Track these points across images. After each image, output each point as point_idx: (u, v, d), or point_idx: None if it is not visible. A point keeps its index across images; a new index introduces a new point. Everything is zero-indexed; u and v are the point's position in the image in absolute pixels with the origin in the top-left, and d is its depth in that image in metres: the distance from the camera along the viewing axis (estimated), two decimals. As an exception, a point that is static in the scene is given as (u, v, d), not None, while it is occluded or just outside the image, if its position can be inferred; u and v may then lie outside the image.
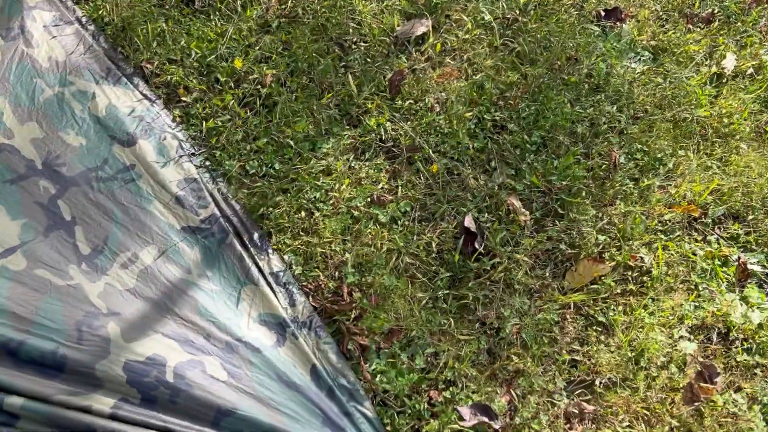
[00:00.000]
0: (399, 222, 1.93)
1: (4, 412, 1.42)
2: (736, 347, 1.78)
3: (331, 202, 1.93)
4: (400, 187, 1.98)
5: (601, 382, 1.72)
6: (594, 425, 1.67)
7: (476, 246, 1.84)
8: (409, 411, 1.64)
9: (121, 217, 1.77)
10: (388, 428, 1.62)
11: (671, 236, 1.94)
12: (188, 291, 1.69)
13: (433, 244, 1.89)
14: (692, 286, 1.87)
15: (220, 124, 2.03)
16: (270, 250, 1.82)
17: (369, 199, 1.95)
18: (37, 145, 1.86)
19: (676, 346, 1.77)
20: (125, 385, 1.50)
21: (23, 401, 1.42)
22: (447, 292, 1.81)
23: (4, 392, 1.43)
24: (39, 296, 1.57)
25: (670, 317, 1.81)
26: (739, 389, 1.73)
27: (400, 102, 2.13)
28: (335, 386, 1.64)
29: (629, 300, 1.84)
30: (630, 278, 1.87)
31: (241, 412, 1.53)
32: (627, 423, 1.67)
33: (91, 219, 1.75)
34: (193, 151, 1.99)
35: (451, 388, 1.67)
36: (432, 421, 1.62)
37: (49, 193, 1.77)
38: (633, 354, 1.75)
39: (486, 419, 1.60)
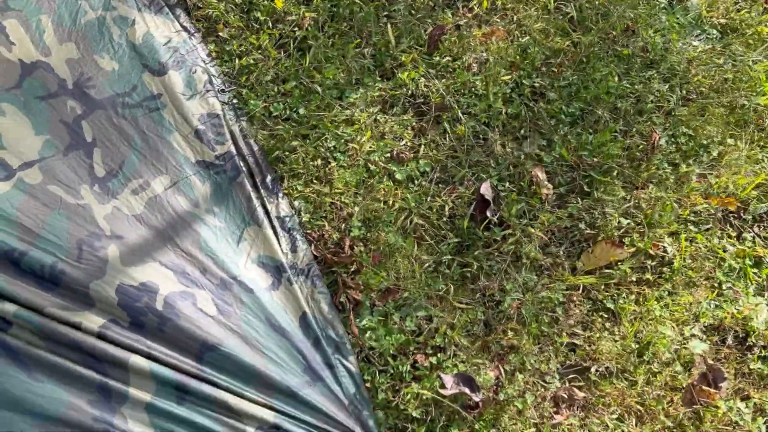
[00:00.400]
0: (416, 182, 1.88)
1: (-1, 317, 1.49)
2: (752, 354, 1.67)
3: (349, 153, 1.89)
4: (422, 146, 1.93)
5: (597, 371, 1.65)
6: (582, 413, 1.60)
7: (488, 214, 1.78)
8: (392, 371, 1.62)
9: (140, 144, 1.79)
10: (368, 385, 1.61)
11: (701, 228, 1.81)
12: (193, 224, 1.70)
13: (447, 208, 1.83)
14: (715, 284, 1.75)
15: (252, 62, 2.02)
16: (280, 194, 1.81)
17: (388, 155, 1.90)
18: (72, 65, 1.89)
19: (685, 344, 1.67)
20: (116, 307, 1.54)
21: (16, 309, 1.48)
22: (452, 258, 1.76)
23: (1, 298, 1.49)
24: (48, 211, 1.62)
25: (685, 313, 1.70)
26: (747, 398, 1.62)
27: (437, 58, 2.06)
28: (322, 337, 1.64)
29: (643, 290, 1.74)
30: (648, 267, 1.77)
31: (225, 349, 1.55)
32: (617, 416, 1.59)
33: (111, 143, 1.78)
34: (222, 87, 1.98)
35: (438, 355, 1.64)
36: (413, 384, 1.60)
37: (75, 113, 1.81)
38: (637, 346, 1.67)
39: (467, 390, 1.57)
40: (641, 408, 1.59)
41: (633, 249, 1.77)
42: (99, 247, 1.60)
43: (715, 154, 1.91)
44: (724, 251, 1.78)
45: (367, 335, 1.65)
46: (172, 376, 1.51)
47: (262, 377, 1.56)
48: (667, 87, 2.01)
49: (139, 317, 1.55)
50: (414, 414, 1.56)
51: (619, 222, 1.80)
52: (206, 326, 1.57)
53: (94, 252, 1.59)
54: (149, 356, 1.52)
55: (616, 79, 2.01)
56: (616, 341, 1.68)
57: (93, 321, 1.52)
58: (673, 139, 1.94)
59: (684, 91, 2.02)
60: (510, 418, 1.58)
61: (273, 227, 1.75)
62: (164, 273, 1.62)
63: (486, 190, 1.82)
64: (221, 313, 1.61)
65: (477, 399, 1.56)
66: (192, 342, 1.55)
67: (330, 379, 1.60)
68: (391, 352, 1.63)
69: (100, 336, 1.51)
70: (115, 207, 1.68)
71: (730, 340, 1.68)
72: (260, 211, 1.75)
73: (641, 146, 1.92)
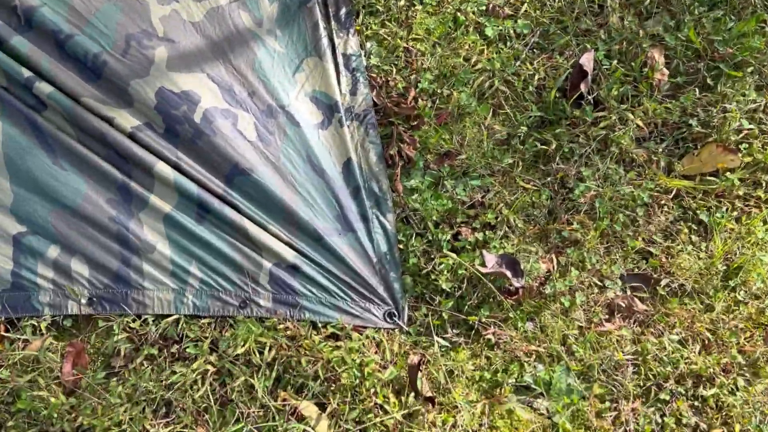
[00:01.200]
0: (508, 42, 1.63)
1: (34, 95, 1.42)
2: None
3: (438, -2, 1.66)
4: (526, 4, 1.66)
5: (669, 286, 1.40)
6: (639, 327, 1.37)
7: (582, 88, 1.52)
8: (430, 238, 1.44)
9: (213, -48, 1.64)
10: (401, 247, 1.45)
11: (843, 150, 1.47)
12: (251, 43, 1.56)
13: (536, 78, 1.58)
14: (844, 219, 1.42)
15: None
16: (351, 30, 1.62)
17: (483, 8, 1.65)
18: None
19: (786, 278, 1.38)
20: (153, 110, 1.44)
21: (52, 90, 1.41)
22: (529, 132, 1.53)
23: (40, 77, 1.42)
24: None
25: (796, 244, 1.40)
26: None
27: None
28: (364, 188, 1.48)
29: (749, 207, 1.44)
30: (763, 183, 1.46)
31: (257, 177, 1.43)
32: (679, 338, 1.35)
33: (184, -54, 1.64)
34: None
35: (486, 232, 1.45)
36: (450, 255, 1.41)
37: None
38: (724, 269, 1.39)
39: (509, 273, 1.37)
40: (711, 336, 1.34)
41: (749, 159, 1.47)
42: (147, 46, 1.49)
43: None
44: None
45: (413, 197, 1.47)
46: (195, 191, 1.41)
47: (290, 214, 1.43)
48: None
49: (175, 125, 1.44)
50: (444, 286, 1.39)
51: (740, 124, 1.49)
52: (242, 149, 1.45)
53: (142, 50, 1.48)
54: (177, 167, 1.43)
55: (781, -40, 1.63)
56: (700, 258, 1.41)
57: (127, 120, 1.43)
58: (835, 42, 1.57)
59: None
60: (552, 315, 1.38)
61: (336, 63, 1.58)
62: (209, 86, 1.49)
63: (587, 61, 1.54)
64: (261, 140, 1.48)
65: (518, 285, 1.37)
66: (224, 162, 1.43)
67: (362, 232, 1.45)
68: (434, 218, 1.45)
69: (132, 136, 1.42)
70: (174, 10, 1.56)
71: None
72: (325, 42, 1.58)
73: (792, 43, 1.56)
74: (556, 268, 1.41)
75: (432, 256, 1.43)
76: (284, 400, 1.30)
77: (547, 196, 1.48)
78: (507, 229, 1.45)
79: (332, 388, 1.31)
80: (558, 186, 1.49)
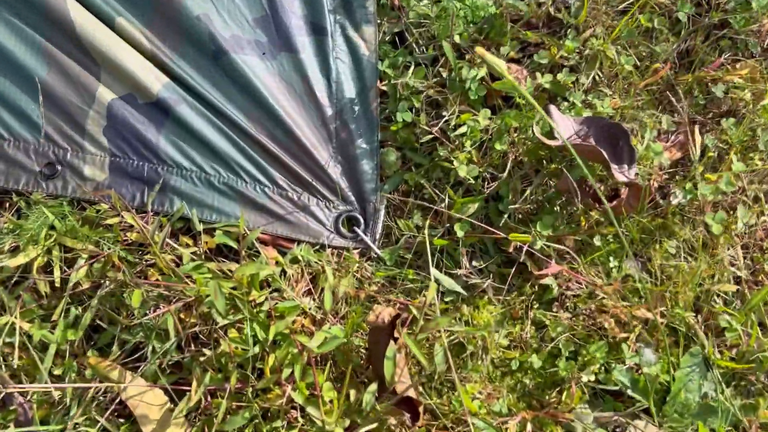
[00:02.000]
0: None
1: None
2: None
3: None
4: None
5: None
6: None
7: None
8: (443, 74, 0.72)
9: None
10: (384, 86, 0.72)
11: None
12: None
13: None
14: None
15: None
16: None
17: None
18: None
19: None
20: None
21: None
22: None
23: None
24: None
25: None
26: None
27: None
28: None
29: None
30: None
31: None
32: None
33: None
34: None
35: (560, 73, 0.72)
36: (474, 112, 0.69)
37: None
38: None
39: (605, 154, 0.64)
40: None
41: None
42: None
43: None
44: None
45: (418, -2, 0.74)
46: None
47: (161, 4, 0.70)
48: None
49: None
50: (462, 172, 0.68)
51: None
52: None
53: None
54: None
55: None
56: None
57: None
58: None
59: None
60: (682, 249, 0.66)
61: None
62: None
63: None
64: None
65: (623, 178, 0.64)
66: None
67: (309, 52, 0.74)
68: (457, 37, 0.72)
69: None
70: None
71: None
72: None
73: None
74: (698, 152, 0.68)
75: (443, 112, 0.70)
76: (89, 370, 0.60)
77: (687, 9, 0.73)
78: (599, 73, 0.72)
79: (199, 362, 0.61)
80: (706, -1, 0.75)
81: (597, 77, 0.72)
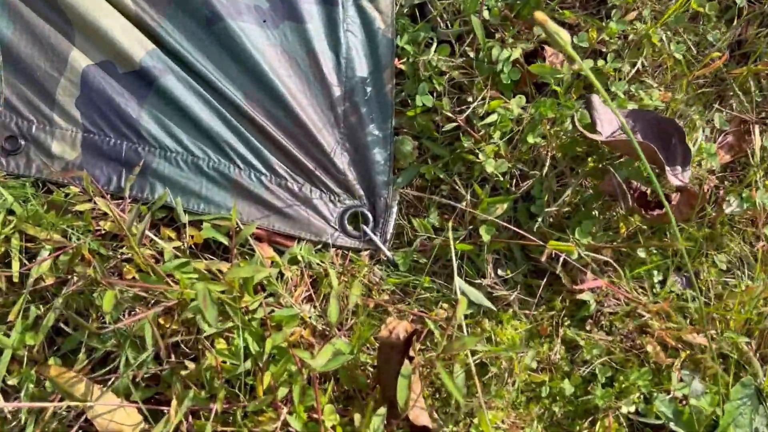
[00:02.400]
0: None
1: None
2: None
3: None
4: None
5: None
6: None
7: None
8: (469, 53, 0.63)
9: None
10: (402, 65, 0.64)
11: None
12: None
13: None
14: None
15: None
16: None
17: None
18: None
19: None
20: None
21: None
22: None
23: None
24: None
25: None
26: None
27: None
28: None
29: None
30: None
31: None
32: None
33: None
34: None
35: (603, 60, 0.63)
36: (504, 99, 0.60)
37: None
38: None
39: (656, 148, 0.56)
40: None
41: None
42: None
43: None
44: None
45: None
46: None
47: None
48: None
49: None
50: (489, 168, 0.59)
51: None
52: None
53: None
54: None
55: None
56: None
57: None
58: None
59: None
60: (735, 264, 0.58)
61: None
62: None
63: None
64: None
65: (676, 182, 0.56)
66: None
67: (317, 23, 0.65)
68: (487, 12, 0.64)
69: None
70: None
71: None
72: None
73: None
74: (758, 155, 0.60)
75: (467, 98, 0.62)
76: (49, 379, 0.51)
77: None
78: (644, 62, 0.64)
79: (180, 377, 0.52)
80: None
81: (641, 66, 0.64)
